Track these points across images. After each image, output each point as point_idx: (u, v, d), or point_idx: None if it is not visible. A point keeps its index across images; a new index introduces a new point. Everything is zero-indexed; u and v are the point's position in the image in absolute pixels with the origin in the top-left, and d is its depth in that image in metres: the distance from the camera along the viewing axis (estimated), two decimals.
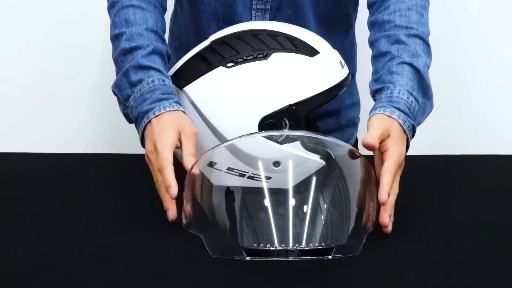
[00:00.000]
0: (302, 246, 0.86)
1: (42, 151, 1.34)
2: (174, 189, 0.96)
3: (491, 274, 0.87)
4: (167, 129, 1.01)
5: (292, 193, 0.91)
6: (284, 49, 1.05)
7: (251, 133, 0.96)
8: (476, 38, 1.78)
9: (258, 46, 1.05)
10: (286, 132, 0.96)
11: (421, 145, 1.31)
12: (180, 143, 1.01)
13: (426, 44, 1.13)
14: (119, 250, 0.92)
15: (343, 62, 1.12)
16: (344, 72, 1.10)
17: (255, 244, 0.87)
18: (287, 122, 1.02)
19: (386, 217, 0.95)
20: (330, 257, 0.87)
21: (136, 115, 1.06)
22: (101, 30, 1.78)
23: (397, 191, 0.98)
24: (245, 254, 0.87)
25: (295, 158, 0.98)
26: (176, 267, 0.88)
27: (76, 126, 1.85)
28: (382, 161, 0.99)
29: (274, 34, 1.07)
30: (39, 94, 1.81)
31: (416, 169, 1.26)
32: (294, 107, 1.02)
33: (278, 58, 1.04)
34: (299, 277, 0.85)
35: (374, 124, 1.02)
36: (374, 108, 1.06)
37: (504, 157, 1.39)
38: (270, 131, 0.97)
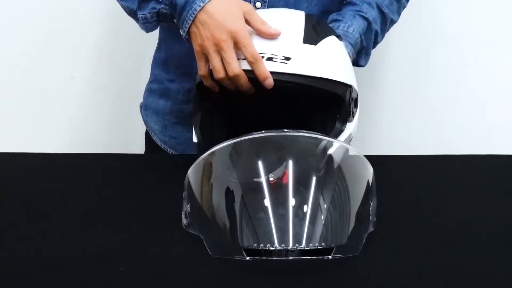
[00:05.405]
0: (302, 246, 0.86)
1: (42, 151, 1.33)
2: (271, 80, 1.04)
3: (490, 274, 0.87)
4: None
5: (292, 192, 0.91)
6: None
7: (251, 133, 0.96)
8: (476, 38, 1.78)
9: None
10: (286, 132, 0.96)
11: (420, 145, 1.31)
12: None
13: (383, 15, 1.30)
14: (119, 250, 0.92)
15: None
16: None
17: (255, 244, 0.87)
18: None
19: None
20: (330, 257, 0.87)
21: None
22: (101, 30, 1.79)
23: None
24: (245, 254, 0.87)
25: None
26: (176, 267, 0.88)
27: (76, 126, 1.85)
28: None
29: None
30: (39, 94, 1.82)
31: (416, 169, 1.27)
32: None
33: None
34: (299, 277, 0.85)
35: None
36: None
37: (504, 157, 1.39)
38: (270, 131, 0.97)
